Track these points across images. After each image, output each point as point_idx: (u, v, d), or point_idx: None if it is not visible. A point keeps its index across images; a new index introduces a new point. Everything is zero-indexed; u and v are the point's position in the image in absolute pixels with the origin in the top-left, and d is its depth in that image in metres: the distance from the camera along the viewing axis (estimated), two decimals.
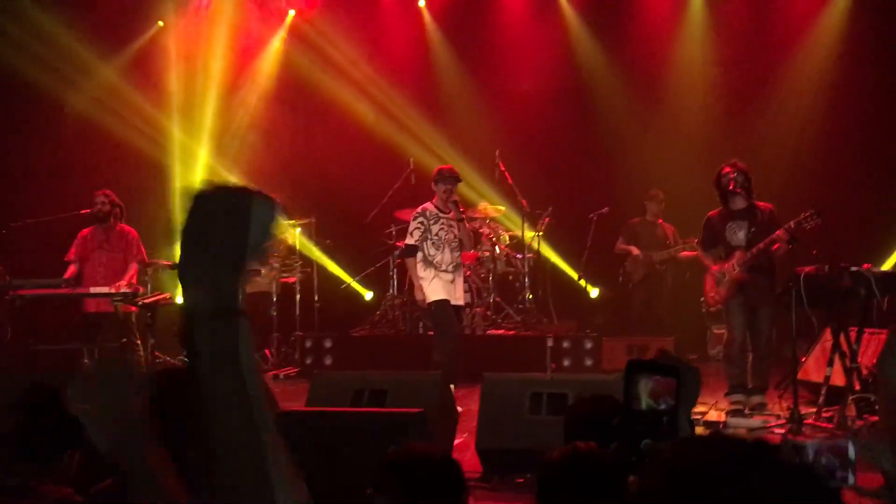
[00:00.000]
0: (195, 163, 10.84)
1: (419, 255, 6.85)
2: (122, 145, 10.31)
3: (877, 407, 5.77)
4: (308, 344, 9.00)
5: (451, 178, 6.83)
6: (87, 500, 2.25)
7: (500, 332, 8.90)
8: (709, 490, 0.89)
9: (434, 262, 6.77)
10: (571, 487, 2.22)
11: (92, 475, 2.45)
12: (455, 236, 6.83)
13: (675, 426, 1.26)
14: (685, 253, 8.94)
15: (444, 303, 6.72)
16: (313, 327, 9.46)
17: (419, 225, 6.85)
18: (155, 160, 10.61)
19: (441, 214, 6.86)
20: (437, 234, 6.81)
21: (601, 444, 2.45)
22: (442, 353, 6.62)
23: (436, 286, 6.74)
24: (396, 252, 9.32)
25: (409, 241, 6.93)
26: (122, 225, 8.05)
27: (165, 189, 10.46)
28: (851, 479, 1.82)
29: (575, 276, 9.42)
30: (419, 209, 6.96)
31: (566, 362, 8.33)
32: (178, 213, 9.58)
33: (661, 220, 9.35)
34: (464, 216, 6.88)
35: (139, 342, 7.72)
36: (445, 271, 6.76)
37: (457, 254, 6.87)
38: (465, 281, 8.84)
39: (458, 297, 6.87)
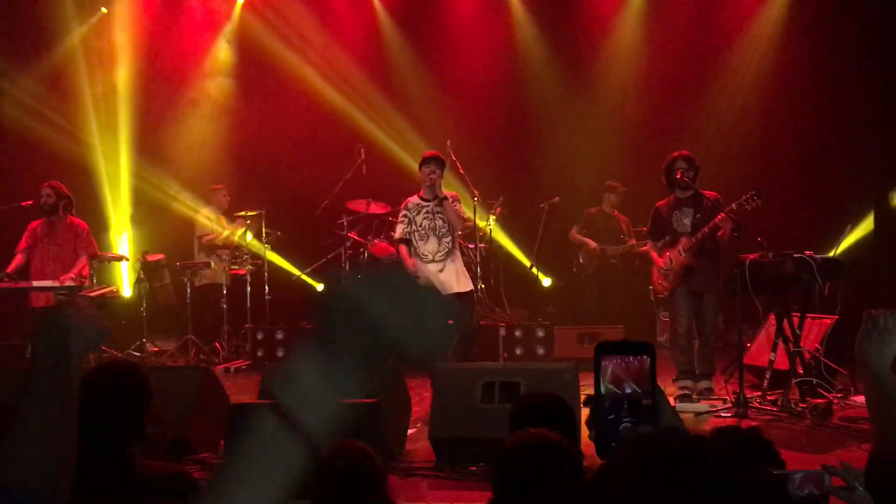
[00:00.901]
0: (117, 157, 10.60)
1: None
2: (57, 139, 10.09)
3: (822, 391, 5.95)
4: (259, 336, 8.92)
5: (432, 159, 6.60)
6: None
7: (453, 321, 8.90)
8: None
9: (419, 253, 6.59)
10: (528, 472, 2.25)
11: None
12: (443, 222, 6.54)
13: (655, 409, 1.21)
14: (642, 248, 9.05)
15: None
16: (265, 319, 9.37)
17: (403, 218, 6.68)
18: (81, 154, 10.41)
19: (424, 203, 6.62)
20: (421, 225, 6.60)
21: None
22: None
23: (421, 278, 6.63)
24: (348, 243, 9.28)
25: (396, 235, 6.82)
26: (72, 217, 7.90)
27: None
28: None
29: (527, 263, 9.48)
30: (404, 203, 6.78)
31: (518, 351, 8.40)
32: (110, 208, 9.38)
33: (616, 212, 9.44)
34: (447, 198, 6.51)
35: None
36: (432, 261, 6.53)
37: (447, 240, 6.57)
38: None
39: (453, 285, 6.46)
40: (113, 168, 10.56)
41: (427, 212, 6.57)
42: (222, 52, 11.30)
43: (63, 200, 7.78)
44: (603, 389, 1.22)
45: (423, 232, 6.58)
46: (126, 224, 10.05)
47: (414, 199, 6.69)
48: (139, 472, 2.54)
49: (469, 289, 6.64)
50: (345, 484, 2.67)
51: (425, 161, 6.57)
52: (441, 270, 6.49)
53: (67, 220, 7.82)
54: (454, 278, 6.50)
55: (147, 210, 10.38)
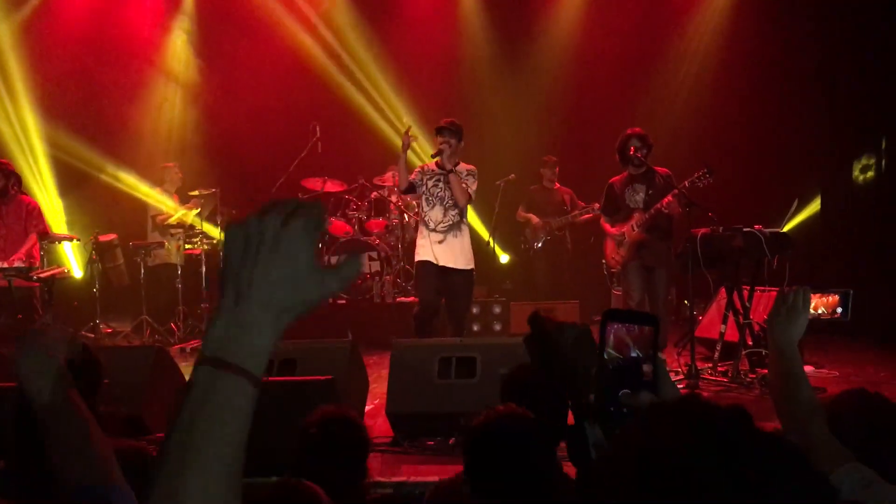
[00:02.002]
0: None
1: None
2: None
3: (767, 361, 6.10)
4: None
5: (446, 128, 6.36)
6: None
7: (410, 299, 8.94)
8: (690, 483, 0.81)
9: (426, 219, 6.44)
10: (500, 449, 2.29)
11: None
12: (451, 194, 6.34)
13: (656, 378, 1.22)
14: (584, 217, 9.14)
15: (420, 264, 6.42)
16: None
17: (415, 174, 6.51)
18: None
19: (438, 172, 6.43)
20: (430, 190, 6.42)
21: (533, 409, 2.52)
22: (414, 317, 6.39)
23: (421, 245, 6.44)
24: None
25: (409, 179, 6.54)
26: (23, 196, 7.73)
27: None
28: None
29: (486, 236, 9.51)
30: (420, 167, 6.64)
31: (476, 327, 8.46)
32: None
33: (557, 185, 9.50)
34: (453, 169, 6.27)
35: (39, 319, 7.45)
36: (434, 230, 6.36)
37: (453, 213, 6.37)
38: (374, 249, 8.86)
39: (448, 260, 6.33)
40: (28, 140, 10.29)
41: (437, 180, 6.41)
42: (181, 28, 11.09)
43: (12, 179, 7.61)
44: (606, 355, 1.24)
45: (431, 199, 6.41)
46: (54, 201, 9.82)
47: (430, 165, 6.52)
48: None
49: (465, 268, 6.41)
50: (328, 453, 2.71)
51: (439, 130, 6.38)
52: (441, 241, 6.35)
53: (17, 198, 7.65)
54: (452, 253, 6.34)
55: (98, 190, 10.20)
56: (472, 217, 10.18)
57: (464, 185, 6.31)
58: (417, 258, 6.47)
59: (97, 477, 1.51)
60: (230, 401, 0.91)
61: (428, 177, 6.44)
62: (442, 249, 6.33)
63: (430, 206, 6.41)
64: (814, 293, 2.12)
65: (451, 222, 6.38)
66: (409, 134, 6.35)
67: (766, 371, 5.95)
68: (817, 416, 1.80)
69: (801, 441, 1.75)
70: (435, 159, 6.41)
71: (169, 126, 10.97)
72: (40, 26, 10.51)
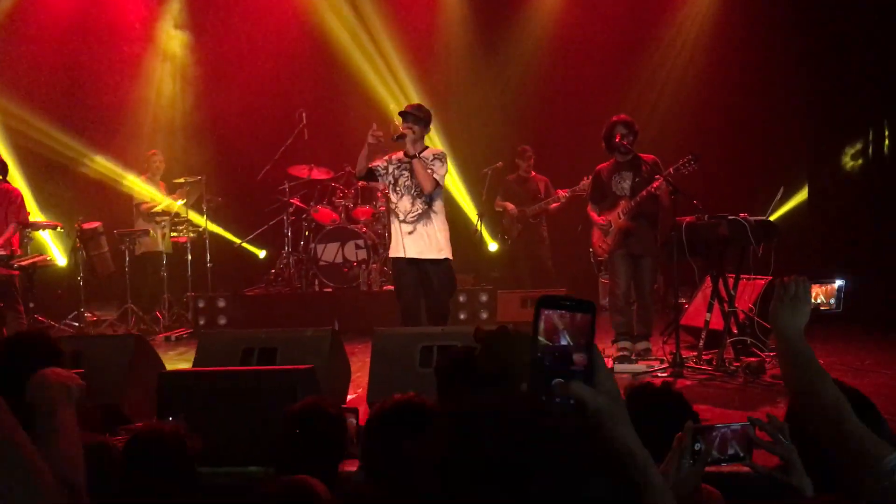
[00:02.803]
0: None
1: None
2: None
3: (755, 350, 6.09)
4: (201, 304, 8.81)
5: (409, 113, 6.10)
6: None
7: None
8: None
9: (395, 210, 6.19)
10: (391, 435, 2.34)
11: None
12: (417, 182, 6.05)
13: (591, 367, 1.19)
14: (553, 205, 9.08)
15: (393, 263, 6.25)
16: (206, 287, 9.25)
17: (381, 161, 6.24)
18: None
19: (405, 160, 6.13)
20: (397, 180, 6.16)
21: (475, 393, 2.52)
22: (400, 318, 6.18)
23: (392, 240, 6.26)
24: (290, 209, 9.18)
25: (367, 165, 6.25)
26: (5, 184, 7.65)
27: None
28: (749, 459, 1.86)
29: (474, 219, 9.45)
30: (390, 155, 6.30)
31: (462, 315, 8.44)
32: None
33: (533, 174, 9.45)
34: (416, 155, 5.98)
35: (21, 307, 7.38)
36: (404, 221, 6.11)
37: (420, 201, 6.09)
38: (360, 237, 8.82)
39: (419, 251, 6.09)
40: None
41: (404, 169, 6.14)
42: (169, 14, 10.99)
43: None
44: (538, 343, 1.20)
45: (399, 188, 6.16)
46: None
47: (398, 154, 6.23)
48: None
49: (438, 257, 6.12)
50: (310, 445, 2.72)
51: (402, 114, 6.13)
52: (411, 233, 6.09)
53: (2, 186, 7.57)
54: (422, 243, 6.09)
55: (82, 178, 10.13)
56: (461, 204, 10.17)
57: (429, 171, 6.01)
58: (390, 254, 6.29)
59: None
60: None
61: (395, 166, 6.19)
62: (412, 240, 6.09)
63: (399, 196, 6.16)
64: (814, 282, 2.08)
65: (419, 211, 6.10)
66: (375, 132, 6.01)
67: (751, 359, 5.95)
68: (846, 410, 1.78)
69: (838, 439, 1.73)
70: (398, 143, 6.12)
71: (154, 114, 10.89)
72: (23, 13, 10.40)
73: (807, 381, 1.86)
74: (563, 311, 1.20)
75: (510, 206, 9.31)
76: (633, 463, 1.22)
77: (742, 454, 1.84)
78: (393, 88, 10.34)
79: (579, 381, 1.19)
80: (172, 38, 11.00)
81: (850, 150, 9.86)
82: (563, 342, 1.20)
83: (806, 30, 9.62)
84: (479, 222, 9.32)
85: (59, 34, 10.39)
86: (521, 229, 9.33)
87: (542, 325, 1.20)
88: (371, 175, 6.25)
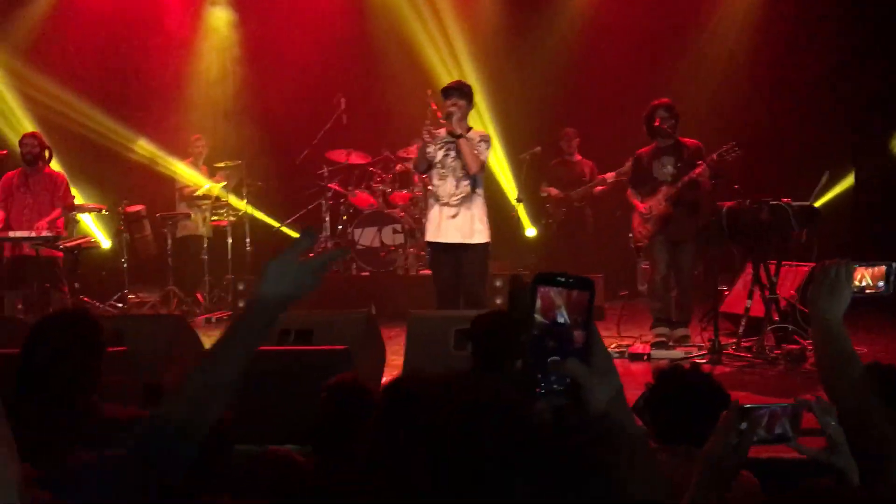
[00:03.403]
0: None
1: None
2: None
3: (797, 338, 5.99)
4: (241, 287, 8.90)
5: (454, 89, 5.85)
6: None
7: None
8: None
9: (437, 192, 5.95)
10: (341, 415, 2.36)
11: None
12: (463, 162, 5.81)
13: (587, 346, 1.18)
14: (598, 188, 9.01)
15: (431, 248, 6.10)
16: (246, 270, 9.36)
17: (432, 147, 6.01)
18: None
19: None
20: (441, 162, 5.91)
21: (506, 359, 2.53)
22: (436, 302, 6.03)
23: (429, 222, 6.04)
24: (329, 193, 9.22)
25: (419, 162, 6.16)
26: (50, 168, 7.79)
27: None
28: (795, 440, 1.81)
29: (512, 200, 9.40)
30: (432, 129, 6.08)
31: (498, 300, 8.40)
32: None
33: (579, 157, 9.37)
34: (464, 134, 5.76)
35: (65, 288, 7.54)
36: (447, 205, 5.87)
37: (465, 183, 5.84)
38: (398, 222, 8.83)
39: (462, 235, 5.87)
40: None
41: (448, 149, 5.88)
42: (220, 7, 11.09)
43: (43, 151, 7.68)
44: (535, 320, 1.18)
45: (442, 171, 5.91)
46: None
47: (442, 132, 5.98)
48: (100, 414, 2.57)
49: (480, 242, 5.93)
50: (345, 419, 2.74)
51: (446, 91, 5.86)
52: (454, 216, 5.86)
53: (45, 170, 7.71)
54: (465, 227, 5.87)
55: (126, 162, 10.28)
56: (498, 189, 10.12)
57: (475, 152, 5.82)
58: (427, 237, 6.10)
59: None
60: None
61: (438, 146, 5.94)
62: (455, 224, 5.86)
63: (441, 178, 5.92)
64: (858, 265, 2.03)
65: (463, 194, 5.86)
66: (429, 127, 5.93)
67: (792, 347, 5.85)
68: (870, 399, 1.75)
69: (860, 427, 1.71)
70: (443, 126, 5.89)
71: (197, 98, 10.99)
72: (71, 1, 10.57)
73: (836, 368, 1.83)
74: (561, 289, 1.17)
75: (554, 191, 9.25)
76: (626, 443, 1.20)
77: (789, 435, 1.79)
78: (431, 72, 10.29)
79: (575, 360, 1.17)
80: (218, 21, 11.08)
81: None
82: (561, 320, 1.17)
83: (854, 12, 9.38)
84: (519, 205, 9.28)
85: (105, 18, 10.51)
86: (566, 213, 9.28)
87: (539, 303, 1.18)
88: (431, 167, 6.05)
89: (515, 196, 9.38)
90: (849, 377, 1.79)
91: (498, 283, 8.42)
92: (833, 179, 8.66)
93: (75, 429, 2.32)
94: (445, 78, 10.00)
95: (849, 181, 9.62)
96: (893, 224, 9.09)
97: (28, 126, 9.31)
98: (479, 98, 10.21)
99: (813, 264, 6.44)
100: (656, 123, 6.40)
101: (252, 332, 1.48)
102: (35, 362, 2.31)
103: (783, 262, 6.32)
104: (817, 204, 6.80)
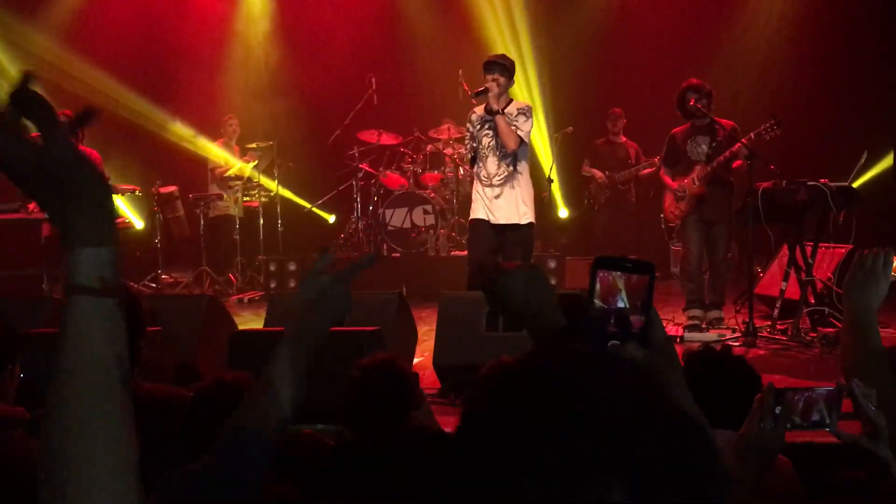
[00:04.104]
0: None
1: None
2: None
3: (833, 321, 5.90)
4: (272, 268, 8.97)
5: (495, 64, 5.61)
6: (35, 418, 2.24)
7: (464, 253, 8.86)
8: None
9: (479, 175, 5.77)
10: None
11: (34, 392, 2.45)
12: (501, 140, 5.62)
13: (647, 330, 1.17)
14: (645, 171, 8.94)
15: (473, 223, 5.86)
16: (277, 251, 9.41)
17: (467, 133, 5.90)
18: None
19: (487, 117, 5.70)
20: (481, 142, 5.74)
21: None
22: (468, 278, 5.88)
23: (476, 201, 5.82)
24: (360, 174, 9.23)
25: (468, 154, 6.03)
26: (83, 147, 7.87)
27: None
28: (834, 426, 1.75)
29: (544, 185, 9.36)
30: (469, 114, 5.90)
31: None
32: None
33: (624, 139, 9.30)
34: (500, 111, 5.55)
35: None
36: (490, 185, 5.70)
37: (507, 161, 5.66)
38: (428, 202, 8.81)
39: (506, 215, 5.71)
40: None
41: (487, 127, 5.70)
42: None
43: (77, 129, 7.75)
44: (594, 303, 1.18)
45: (483, 151, 5.73)
46: None
47: (479, 111, 5.80)
48: (139, 393, 2.59)
49: (525, 222, 5.75)
50: (378, 398, 2.74)
51: (487, 65, 5.63)
52: (497, 196, 5.69)
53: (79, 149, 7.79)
54: (510, 208, 5.69)
55: (159, 143, 10.37)
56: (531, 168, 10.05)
57: (512, 128, 5.58)
58: (472, 215, 5.88)
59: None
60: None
61: (477, 127, 5.78)
62: (499, 205, 5.69)
63: (484, 159, 5.73)
64: None
65: (505, 173, 5.67)
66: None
67: (828, 330, 5.76)
68: (891, 389, 1.71)
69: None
70: (482, 102, 5.70)
71: (230, 78, 11.04)
72: None
73: (861, 361, 1.78)
74: (621, 273, 1.17)
75: (598, 174, 9.18)
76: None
77: (827, 421, 1.74)
78: (463, 52, 10.22)
79: (635, 344, 1.16)
80: (251, 2, 11.12)
81: None
82: (620, 304, 1.17)
83: None
84: (552, 180, 9.23)
85: (140, 2, 10.62)
86: (609, 195, 9.22)
87: (598, 287, 1.17)
88: (474, 161, 5.93)
89: (546, 176, 9.31)
90: (872, 374, 1.74)
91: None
92: (872, 159, 8.48)
93: None
94: (478, 57, 9.94)
95: (888, 161, 9.41)
96: None
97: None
98: (520, 74, 10.21)
99: (850, 246, 6.33)
100: (691, 103, 6.30)
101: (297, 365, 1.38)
102: None
103: (820, 244, 6.20)
104: (856, 185, 6.69)
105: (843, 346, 1.89)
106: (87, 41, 10.33)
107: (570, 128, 9.30)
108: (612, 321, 1.17)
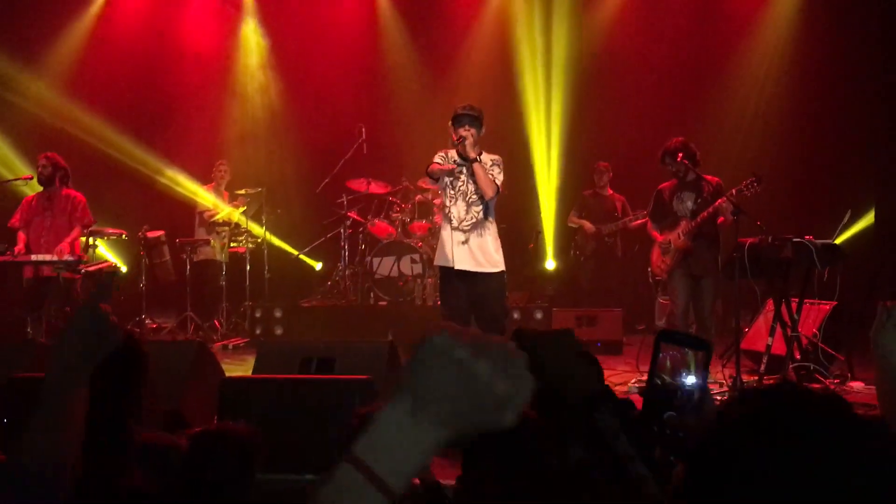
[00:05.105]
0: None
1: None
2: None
3: (818, 377, 5.94)
4: (258, 314, 8.92)
5: (465, 116, 5.59)
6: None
7: None
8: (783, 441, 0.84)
9: (448, 215, 5.74)
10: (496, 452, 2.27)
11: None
12: (476, 188, 5.62)
13: (702, 400, 1.23)
14: (635, 223, 9.03)
15: (441, 272, 5.83)
16: (263, 297, 9.38)
17: (438, 155, 5.80)
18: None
19: (459, 163, 5.70)
20: (451, 184, 5.72)
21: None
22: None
23: (440, 246, 5.79)
24: (348, 222, 9.26)
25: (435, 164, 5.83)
26: (68, 189, 7.85)
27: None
28: None
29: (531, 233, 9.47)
30: (443, 150, 5.86)
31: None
32: None
33: (610, 191, 9.42)
34: (478, 158, 5.56)
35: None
36: (457, 229, 5.68)
37: (477, 209, 5.65)
38: (416, 252, 8.84)
39: (472, 263, 5.66)
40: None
41: (461, 172, 5.70)
42: (248, 36, 11.29)
43: (59, 171, 7.73)
44: (657, 376, 1.27)
45: (454, 194, 5.72)
46: None
47: (452, 154, 5.76)
48: (140, 441, 2.57)
49: (492, 271, 5.70)
50: None
51: (457, 118, 5.61)
52: (464, 242, 5.66)
53: (63, 191, 7.77)
54: (476, 255, 5.66)
55: (146, 187, 10.37)
56: (520, 219, 10.13)
57: (490, 176, 5.61)
58: (437, 262, 5.87)
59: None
60: None
61: (451, 162, 5.73)
62: (465, 251, 5.66)
63: (452, 201, 5.70)
64: None
65: (474, 220, 5.67)
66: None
67: (815, 386, 5.79)
68: None
69: None
70: (457, 148, 5.64)
71: (220, 125, 11.12)
72: (103, 26, 10.77)
73: None
74: (681, 347, 1.25)
75: (587, 224, 9.27)
76: None
77: None
78: (454, 103, 10.35)
79: (692, 416, 1.22)
80: (246, 54, 11.26)
81: None
82: (679, 376, 1.24)
83: (876, 52, 9.41)
84: (536, 237, 9.31)
85: (135, 50, 10.74)
86: (595, 247, 9.30)
87: (661, 359, 1.26)
88: (440, 183, 5.88)
89: (536, 229, 9.43)
90: None
91: (516, 316, 8.41)
92: (854, 217, 8.64)
93: (120, 455, 2.32)
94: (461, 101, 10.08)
95: (869, 219, 9.59)
96: None
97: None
98: (493, 126, 10.32)
99: (835, 303, 6.40)
100: (677, 160, 6.40)
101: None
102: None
103: (805, 300, 6.27)
104: (838, 241, 6.79)
105: (881, 398, 1.90)
106: (83, 87, 10.41)
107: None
108: (670, 392, 1.24)
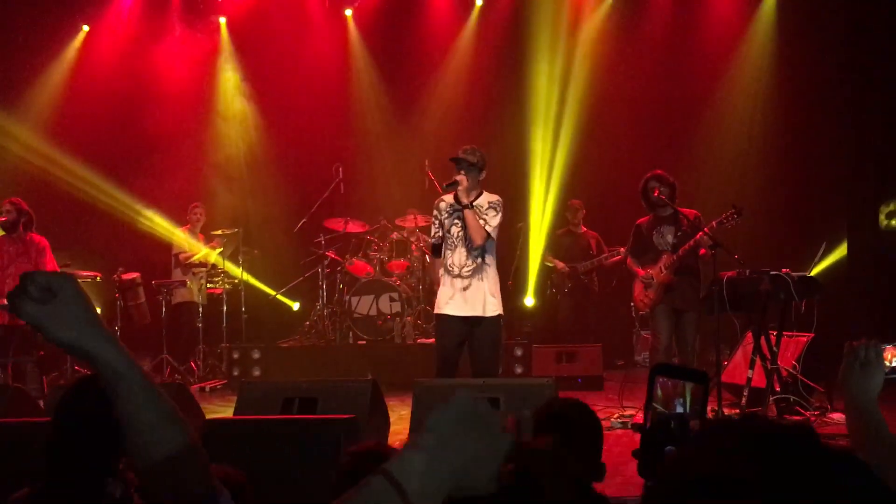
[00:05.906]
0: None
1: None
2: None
3: (799, 409, 5.96)
4: (236, 355, 8.82)
5: (461, 160, 5.57)
6: None
7: (432, 340, 8.84)
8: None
9: (447, 263, 5.65)
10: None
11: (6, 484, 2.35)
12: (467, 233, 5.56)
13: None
14: (612, 260, 9.07)
15: (439, 318, 5.70)
16: (241, 339, 9.28)
17: (433, 220, 5.79)
18: None
19: (455, 207, 5.61)
20: (450, 232, 5.65)
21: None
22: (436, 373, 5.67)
23: (440, 295, 5.70)
24: (326, 262, 9.23)
25: (431, 240, 5.90)
26: (33, 234, 7.77)
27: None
28: None
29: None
30: (436, 202, 5.81)
31: (519, 369, 8.37)
32: None
33: (584, 229, 9.47)
34: (469, 204, 5.49)
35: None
36: (458, 276, 5.59)
37: (476, 253, 5.57)
38: (395, 290, 8.82)
39: (475, 308, 5.58)
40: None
41: (455, 218, 5.63)
42: (226, 78, 11.33)
43: (23, 216, 7.67)
44: (653, 409, 1.26)
45: (452, 240, 5.64)
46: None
47: (448, 199, 5.69)
48: (133, 484, 2.50)
49: (493, 314, 5.62)
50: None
51: (455, 161, 5.60)
52: (466, 288, 5.58)
53: (27, 236, 7.70)
54: (478, 300, 5.58)
55: (122, 228, 10.28)
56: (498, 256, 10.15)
57: (481, 222, 5.54)
58: (437, 310, 5.73)
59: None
60: None
61: (445, 215, 5.70)
62: (468, 297, 5.58)
63: (452, 249, 5.63)
64: (886, 346, 2.02)
65: (474, 265, 5.58)
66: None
67: (795, 418, 5.82)
68: None
69: None
70: (449, 192, 5.60)
71: (197, 166, 11.10)
72: (81, 71, 10.77)
73: (875, 451, 1.79)
74: (679, 380, 1.25)
75: (560, 264, 9.29)
76: None
77: None
78: (430, 143, 10.43)
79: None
80: (224, 95, 11.29)
81: (889, 208, 9.75)
82: (679, 410, 1.24)
83: (847, 86, 9.60)
84: (513, 273, 9.33)
85: (113, 91, 10.72)
86: (572, 285, 9.32)
87: (658, 392, 1.25)
88: (439, 249, 5.82)
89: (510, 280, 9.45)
90: (890, 460, 1.75)
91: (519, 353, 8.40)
92: (828, 248, 8.76)
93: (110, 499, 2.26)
94: (444, 149, 10.14)
95: (842, 251, 9.72)
96: (885, 293, 9.16)
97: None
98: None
99: (812, 335, 6.46)
100: (655, 194, 6.47)
101: None
102: (67, 430, 2.22)
103: (783, 332, 6.33)
104: (814, 272, 6.88)
105: (853, 439, 1.89)
106: (60, 130, 10.37)
107: (521, 224, 9.49)
108: (670, 426, 1.23)
